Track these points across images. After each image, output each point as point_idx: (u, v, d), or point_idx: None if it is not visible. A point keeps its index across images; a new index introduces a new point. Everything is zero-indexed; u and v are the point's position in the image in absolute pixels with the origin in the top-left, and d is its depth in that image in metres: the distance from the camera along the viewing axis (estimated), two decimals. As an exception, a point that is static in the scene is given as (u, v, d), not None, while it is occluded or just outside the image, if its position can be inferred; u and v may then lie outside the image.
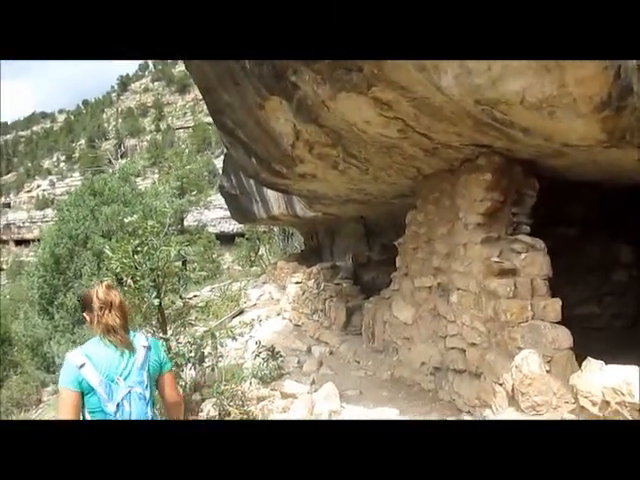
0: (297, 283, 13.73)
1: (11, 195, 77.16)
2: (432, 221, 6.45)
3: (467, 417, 5.25)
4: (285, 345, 9.49)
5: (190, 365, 5.94)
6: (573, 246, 6.95)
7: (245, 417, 5.77)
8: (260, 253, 30.13)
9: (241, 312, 12.66)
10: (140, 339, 2.70)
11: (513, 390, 4.50)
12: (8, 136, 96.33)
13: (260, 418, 5.81)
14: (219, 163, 54.14)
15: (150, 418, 2.63)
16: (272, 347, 7.37)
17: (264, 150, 6.74)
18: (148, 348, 2.67)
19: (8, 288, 36.99)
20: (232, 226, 41.92)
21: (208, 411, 5.74)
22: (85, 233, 15.27)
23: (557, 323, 4.71)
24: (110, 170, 30.77)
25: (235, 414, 5.70)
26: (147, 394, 2.59)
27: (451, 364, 5.87)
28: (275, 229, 28.44)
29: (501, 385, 4.78)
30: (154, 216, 5.82)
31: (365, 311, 8.64)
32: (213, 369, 6.13)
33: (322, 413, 5.67)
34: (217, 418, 5.75)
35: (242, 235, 32.08)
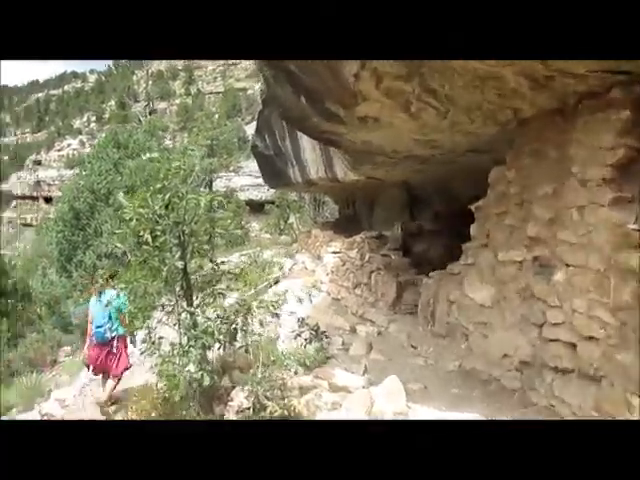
0: (335, 253, 12.56)
1: (42, 153, 77.29)
2: (529, 178, 5.09)
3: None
4: (324, 322, 8.30)
5: (219, 345, 4.77)
6: None
7: (285, 413, 4.60)
8: (290, 221, 29.11)
9: (276, 282, 11.52)
10: (109, 293, 6.03)
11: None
12: (40, 94, 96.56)
13: (305, 415, 4.65)
14: (249, 130, 53.22)
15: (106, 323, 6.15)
16: (316, 325, 6.18)
17: (319, 84, 5.41)
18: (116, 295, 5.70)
19: (37, 243, 36.78)
20: (261, 194, 41.26)
21: (241, 404, 4.58)
22: (107, 188, 14.11)
23: None
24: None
25: (273, 409, 4.53)
26: (106, 314, 6.05)
27: (550, 360, 4.59)
28: (306, 197, 27.41)
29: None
30: (182, 159, 4.54)
31: (423, 288, 7.37)
32: (247, 350, 4.95)
33: (384, 413, 4.47)
34: (250, 411, 4.61)
35: (272, 203, 31.08)
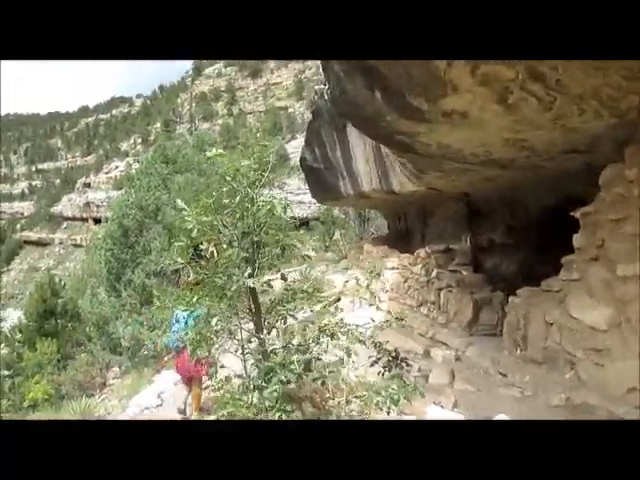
0: (394, 269, 11.78)
1: (91, 175, 79.76)
2: (659, 177, 4.26)
3: None
4: (392, 344, 7.51)
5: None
6: None
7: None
8: (335, 238, 28.58)
9: (338, 300, 10.78)
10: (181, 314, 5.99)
11: None
12: (90, 119, 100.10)
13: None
14: (290, 149, 53.47)
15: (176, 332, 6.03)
16: (395, 351, 5.42)
17: (402, 74, 4.72)
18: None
19: (86, 263, 37.34)
20: (302, 211, 41.33)
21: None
22: (155, 204, 13.77)
23: None
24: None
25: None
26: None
27: (702, 399, 3.72)
28: (351, 213, 26.94)
29: None
30: (251, 157, 3.85)
31: (510, 307, 6.51)
32: (324, 382, 4.22)
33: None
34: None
35: (317, 219, 30.85)
